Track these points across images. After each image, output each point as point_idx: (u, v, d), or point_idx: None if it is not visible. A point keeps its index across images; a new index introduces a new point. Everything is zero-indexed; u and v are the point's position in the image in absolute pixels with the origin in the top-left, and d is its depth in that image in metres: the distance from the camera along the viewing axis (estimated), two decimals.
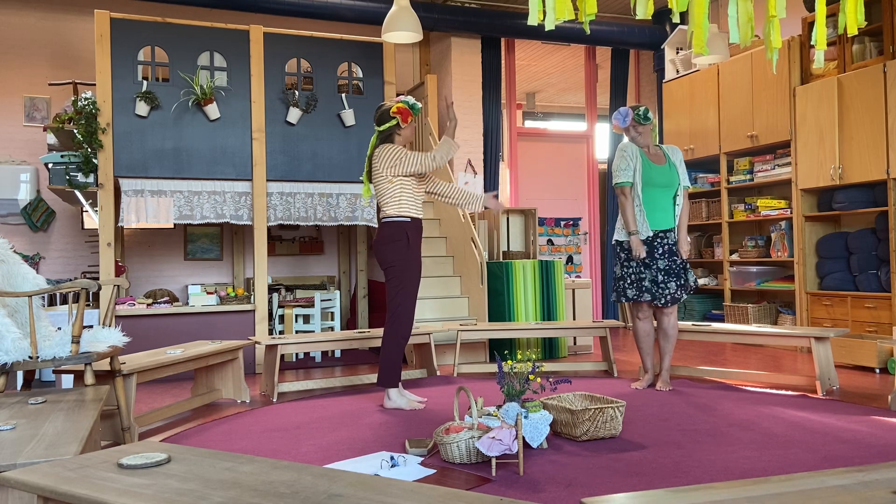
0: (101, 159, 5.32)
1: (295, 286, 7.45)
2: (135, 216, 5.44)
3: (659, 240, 4.44)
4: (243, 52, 5.72)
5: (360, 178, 4.27)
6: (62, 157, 5.35)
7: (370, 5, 6.98)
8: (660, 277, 4.42)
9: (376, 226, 6.16)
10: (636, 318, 4.55)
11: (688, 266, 4.52)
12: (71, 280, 6.38)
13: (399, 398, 4.15)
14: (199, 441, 3.47)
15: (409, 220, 4.13)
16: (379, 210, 4.23)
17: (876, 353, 5.02)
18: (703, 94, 7.15)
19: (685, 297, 4.56)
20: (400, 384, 4.21)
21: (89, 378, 2.97)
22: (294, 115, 5.80)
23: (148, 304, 5.57)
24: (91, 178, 5.34)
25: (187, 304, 5.86)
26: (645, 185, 4.50)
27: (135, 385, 3.49)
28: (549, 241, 7.84)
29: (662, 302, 4.41)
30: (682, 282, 4.45)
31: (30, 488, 1.62)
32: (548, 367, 4.90)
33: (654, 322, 4.57)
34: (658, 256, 4.41)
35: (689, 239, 4.60)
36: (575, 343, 6.43)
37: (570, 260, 7.93)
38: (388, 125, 4.14)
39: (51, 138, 5.73)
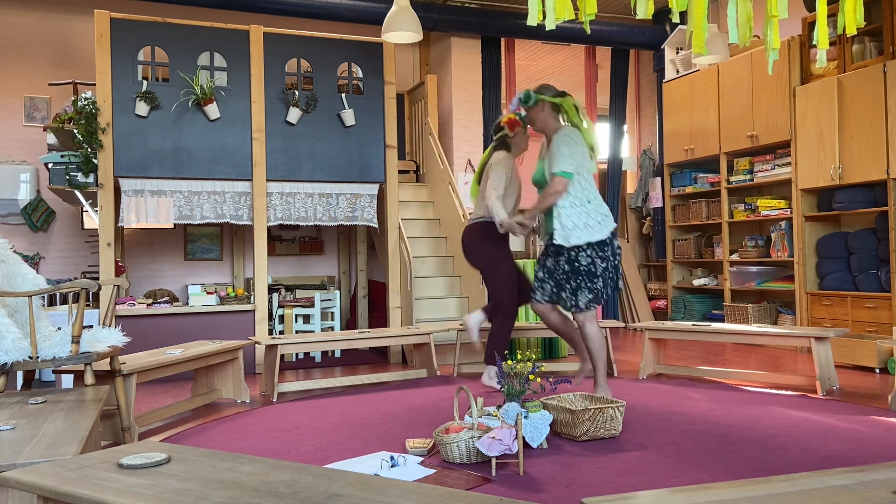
0: (101, 159, 5.32)
1: (295, 286, 7.45)
2: (135, 216, 5.44)
3: (552, 244, 4.12)
4: (243, 52, 5.72)
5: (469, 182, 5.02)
6: (62, 157, 5.35)
7: (370, 5, 6.98)
8: (540, 274, 4.16)
9: (376, 226, 6.17)
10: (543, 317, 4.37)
11: (575, 286, 3.97)
12: (71, 280, 6.38)
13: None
14: (199, 441, 3.47)
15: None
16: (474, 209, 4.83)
17: (876, 353, 5.02)
18: (703, 94, 7.14)
19: (567, 307, 4.09)
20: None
21: (89, 378, 2.97)
22: (294, 115, 5.80)
23: (148, 304, 5.57)
24: (91, 178, 5.34)
25: (187, 304, 5.86)
26: (536, 186, 4.24)
27: (135, 385, 3.49)
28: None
29: (537, 297, 4.18)
30: (570, 290, 4.03)
31: (30, 488, 1.62)
32: (548, 367, 4.89)
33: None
34: (548, 254, 4.13)
35: (533, 219, 4.11)
36: None
37: None
38: (499, 134, 4.69)
39: (51, 138, 5.73)
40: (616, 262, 4.04)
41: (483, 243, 4.64)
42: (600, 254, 3.96)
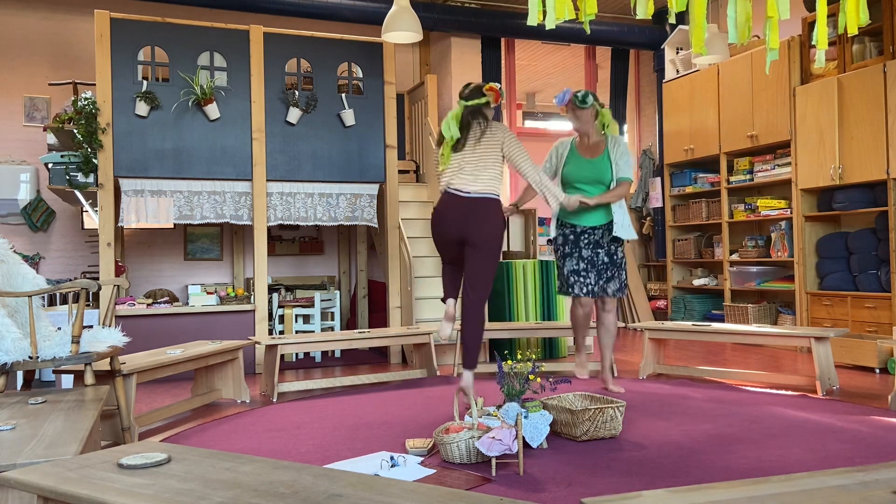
0: (101, 159, 5.32)
1: (295, 286, 7.44)
2: (135, 216, 5.44)
3: (586, 235, 4.40)
4: (243, 52, 5.72)
5: (439, 153, 4.01)
6: (62, 157, 5.35)
7: (370, 5, 6.98)
8: (581, 266, 4.38)
9: (376, 226, 6.17)
10: (574, 307, 4.54)
11: (619, 270, 4.42)
12: (71, 280, 6.38)
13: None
14: (199, 441, 3.47)
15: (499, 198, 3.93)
16: (465, 182, 3.84)
17: (876, 353, 5.02)
18: (703, 94, 7.14)
19: (609, 295, 4.40)
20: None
21: (89, 378, 2.97)
22: (294, 115, 5.80)
23: (148, 304, 5.57)
24: (91, 178, 5.34)
25: (187, 304, 5.86)
26: (565, 184, 4.44)
27: (135, 385, 3.49)
28: (549, 241, 7.84)
29: (584, 292, 4.36)
30: (606, 278, 4.39)
31: (30, 488, 1.62)
32: (548, 367, 4.89)
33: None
34: (583, 247, 4.39)
35: (607, 201, 4.30)
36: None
37: None
38: (477, 101, 3.90)
39: (51, 138, 5.73)
40: None
41: (502, 224, 3.88)
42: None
